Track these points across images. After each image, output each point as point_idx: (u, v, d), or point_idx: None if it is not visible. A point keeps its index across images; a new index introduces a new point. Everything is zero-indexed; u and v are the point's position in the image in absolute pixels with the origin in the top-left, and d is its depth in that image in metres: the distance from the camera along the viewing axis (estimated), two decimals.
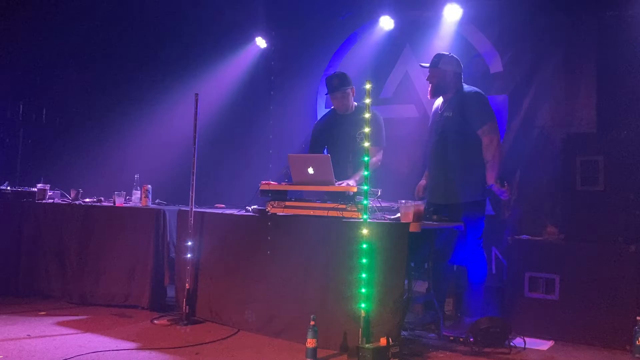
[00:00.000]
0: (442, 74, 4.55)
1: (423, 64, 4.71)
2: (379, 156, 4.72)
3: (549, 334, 4.17)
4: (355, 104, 4.83)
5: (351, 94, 4.81)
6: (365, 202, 3.70)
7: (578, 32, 4.92)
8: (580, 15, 4.90)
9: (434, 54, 4.65)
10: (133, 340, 3.97)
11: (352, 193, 3.96)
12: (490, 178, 4.38)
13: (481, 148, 4.42)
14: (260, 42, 6.55)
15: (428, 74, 4.64)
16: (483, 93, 4.59)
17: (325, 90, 4.87)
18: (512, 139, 5.13)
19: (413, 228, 3.67)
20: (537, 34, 5.12)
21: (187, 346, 3.87)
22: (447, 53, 4.66)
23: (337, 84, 4.74)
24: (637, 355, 3.76)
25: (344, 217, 3.95)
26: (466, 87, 4.58)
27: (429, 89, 4.67)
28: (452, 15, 5.34)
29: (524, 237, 4.52)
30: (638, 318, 3.76)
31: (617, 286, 4.00)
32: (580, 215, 4.25)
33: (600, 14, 4.84)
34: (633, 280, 3.97)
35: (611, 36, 4.80)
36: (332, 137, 4.88)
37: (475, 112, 4.45)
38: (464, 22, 5.39)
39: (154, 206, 5.10)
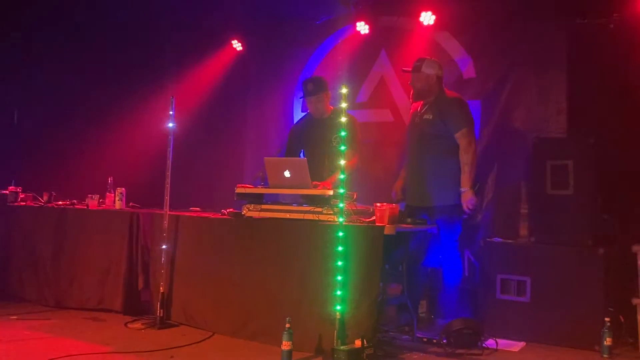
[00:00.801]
0: (425, 78, 4.60)
1: (405, 69, 4.74)
2: (355, 160, 4.76)
3: (521, 335, 4.24)
4: (332, 107, 4.87)
5: (326, 98, 4.82)
6: (341, 205, 3.74)
7: (548, 39, 5.03)
8: (551, 24, 5.01)
9: (416, 59, 4.68)
10: (106, 344, 3.93)
11: (328, 196, 3.99)
12: (465, 182, 4.44)
13: (458, 152, 4.49)
14: (237, 45, 6.55)
15: (410, 78, 4.66)
16: (464, 99, 4.66)
17: (301, 94, 4.90)
18: (485, 144, 5.21)
19: (388, 231, 3.71)
20: (509, 41, 5.22)
21: (161, 350, 3.84)
22: (429, 57, 4.71)
23: (312, 88, 4.76)
24: (605, 356, 3.85)
25: (320, 220, 3.97)
26: (447, 92, 4.65)
27: (412, 92, 4.70)
28: (426, 21, 5.41)
29: (496, 239, 4.59)
30: (606, 319, 3.84)
31: (586, 288, 4.09)
32: (551, 218, 4.34)
33: (569, 23, 4.95)
34: (601, 282, 4.06)
35: (580, 44, 4.91)
36: (308, 141, 4.90)
37: (455, 116, 4.51)
38: (438, 29, 5.47)
39: (128, 209, 5.06)
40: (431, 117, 4.55)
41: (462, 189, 4.45)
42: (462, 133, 4.47)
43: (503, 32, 5.25)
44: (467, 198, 4.44)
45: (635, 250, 4.05)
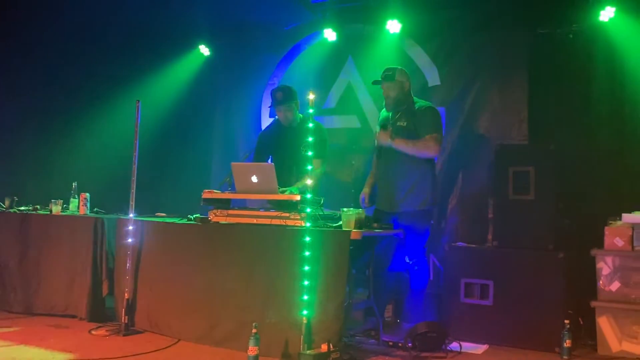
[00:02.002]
0: (400, 86, 4.64)
1: (375, 81, 4.72)
2: (322, 168, 4.76)
3: (484, 338, 4.32)
4: (301, 115, 4.89)
5: (295, 107, 4.84)
6: (308, 210, 3.76)
7: (511, 48, 5.16)
8: (513, 33, 5.14)
9: (386, 68, 4.69)
10: (69, 351, 3.87)
11: (295, 201, 4.01)
12: (396, 139, 4.50)
13: (430, 159, 4.57)
14: (204, 50, 6.53)
15: (384, 87, 4.64)
16: (436, 108, 4.74)
17: (270, 101, 4.91)
18: (449, 150, 5.31)
19: (354, 235, 3.74)
20: (473, 49, 5.33)
21: (125, 357, 3.80)
22: (398, 67, 4.74)
23: (281, 98, 4.77)
24: (565, 357, 3.94)
25: (287, 225, 3.99)
26: (419, 100, 4.72)
27: (387, 102, 4.65)
28: (393, 29, 5.48)
29: (460, 244, 4.67)
30: (566, 321, 3.94)
31: (546, 291, 4.18)
32: (513, 223, 4.43)
33: (531, 32, 5.09)
34: (561, 286, 4.16)
35: (542, 53, 5.06)
36: (277, 148, 4.91)
37: (427, 122, 4.55)
38: (404, 37, 5.56)
39: (92, 215, 5.00)
40: (405, 124, 4.59)
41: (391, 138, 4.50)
42: (431, 137, 4.50)
43: (467, 41, 5.36)
44: (381, 135, 4.54)
45: (594, 254, 4.16)
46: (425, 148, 4.50)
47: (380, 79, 4.67)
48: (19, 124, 6.53)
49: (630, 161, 4.74)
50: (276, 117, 5.01)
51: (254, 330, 3.55)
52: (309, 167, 3.78)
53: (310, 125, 3.85)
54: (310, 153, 3.80)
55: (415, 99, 4.70)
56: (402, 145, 4.49)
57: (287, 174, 4.65)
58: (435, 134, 4.53)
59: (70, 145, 6.33)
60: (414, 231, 4.52)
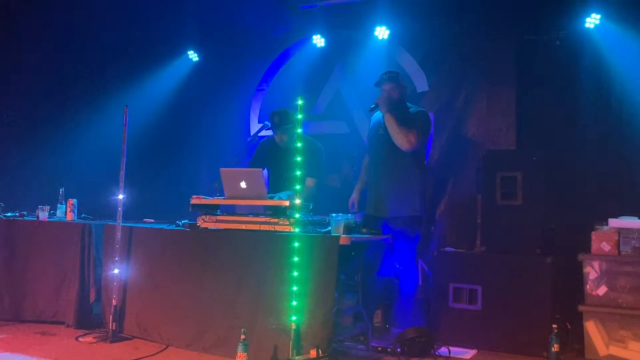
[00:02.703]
0: (402, 89, 4.68)
1: (378, 82, 4.69)
2: (313, 185, 4.65)
3: (472, 343, 4.33)
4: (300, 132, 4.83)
5: (293, 129, 4.79)
6: (297, 215, 3.76)
7: (498, 55, 5.19)
8: (500, 39, 5.18)
9: (387, 70, 4.72)
10: (55, 359, 3.84)
11: (284, 207, 4.00)
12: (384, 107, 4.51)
13: (420, 164, 4.60)
14: (192, 56, 6.52)
15: (387, 88, 4.62)
16: (428, 113, 4.77)
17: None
18: (437, 156, 5.33)
19: (343, 241, 3.74)
20: (460, 56, 5.37)
21: None
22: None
23: (278, 121, 4.71)
24: None
25: (275, 231, 3.99)
26: (412, 105, 4.74)
27: (384, 102, 4.56)
28: (381, 35, 5.51)
29: (449, 249, 4.69)
30: (554, 326, 3.95)
31: (534, 296, 4.21)
32: (501, 228, 4.46)
33: (518, 39, 5.13)
34: (549, 290, 4.20)
35: (528, 60, 5.10)
36: (272, 164, 4.90)
37: (416, 122, 4.54)
38: (392, 43, 5.58)
39: (80, 221, 4.96)
40: None
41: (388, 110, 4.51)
42: (416, 131, 4.47)
43: (455, 48, 5.39)
44: (381, 101, 4.53)
45: (581, 259, 4.19)
46: (406, 136, 4.44)
47: (382, 80, 4.66)
48: (5, 131, 6.49)
49: (617, 167, 4.79)
50: (265, 122, 4.98)
51: (242, 337, 3.54)
52: (298, 173, 3.79)
53: (299, 130, 3.85)
54: (299, 158, 3.80)
55: (408, 104, 4.73)
56: (392, 121, 4.47)
57: (280, 190, 4.61)
58: (420, 131, 4.51)
59: (57, 151, 6.28)
60: (404, 236, 4.53)
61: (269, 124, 4.79)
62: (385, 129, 4.60)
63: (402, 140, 4.46)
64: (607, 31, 4.83)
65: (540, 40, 5.09)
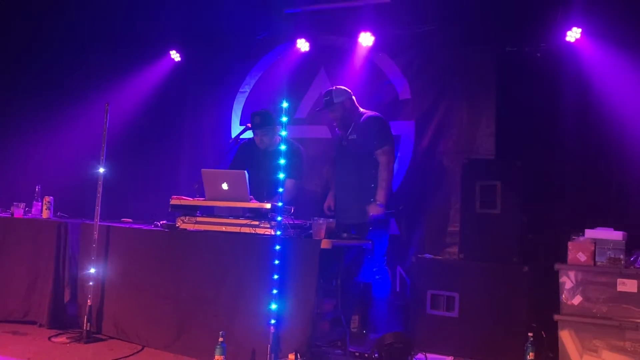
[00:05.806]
0: (341, 107, 4.79)
1: (320, 109, 4.94)
2: (292, 188, 4.70)
3: (449, 349, 4.35)
4: (279, 139, 4.85)
5: (272, 132, 4.82)
6: (278, 218, 3.75)
7: (479, 65, 5.25)
8: (482, 49, 5.23)
9: (325, 93, 4.87)
10: (28, 359, 3.76)
11: (265, 210, 3.99)
12: (381, 196, 4.61)
13: (384, 167, 4.65)
14: (175, 56, 6.47)
15: (328, 113, 4.85)
16: (384, 118, 4.83)
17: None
18: (418, 163, 5.37)
19: (325, 245, 3.74)
20: (442, 65, 5.42)
21: None
22: (332, 87, 4.89)
23: (259, 122, 4.76)
24: None
25: (256, 234, 3.97)
26: (367, 111, 4.83)
27: (336, 124, 4.90)
28: (365, 42, 5.53)
29: (427, 256, 4.71)
30: (529, 334, 3.99)
31: (511, 304, 4.24)
32: (479, 237, 4.49)
33: (499, 50, 5.19)
34: (525, 299, 4.23)
35: (509, 70, 5.16)
36: (253, 167, 4.88)
37: (375, 134, 4.71)
38: (376, 50, 5.61)
39: (56, 219, 4.88)
40: (355, 136, 4.77)
41: (378, 202, 4.59)
42: (382, 151, 4.67)
43: (438, 57, 5.44)
44: (377, 210, 4.61)
45: (557, 268, 4.23)
46: (385, 169, 4.65)
47: (322, 107, 4.86)
48: None
49: (595, 178, 4.87)
50: (248, 124, 4.97)
51: (220, 339, 3.51)
52: (281, 175, 3.78)
53: (284, 132, 3.85)
54: (282, 161, 3.79)
55: (361, 110, 4.84)
56: (383, 192, 4.61)
57: (260, 192, 4.61)
58: (383, 147, 4.66)
59: (34, 148, 6.18)
60: (374, 240, 4.56)
61: (251, 126, 4.79)
62: (347, 138, 4.78)
63: (389, 171, 4.68)
64: (587, 45, 4.91)
65: (522, 51, 5.16)
